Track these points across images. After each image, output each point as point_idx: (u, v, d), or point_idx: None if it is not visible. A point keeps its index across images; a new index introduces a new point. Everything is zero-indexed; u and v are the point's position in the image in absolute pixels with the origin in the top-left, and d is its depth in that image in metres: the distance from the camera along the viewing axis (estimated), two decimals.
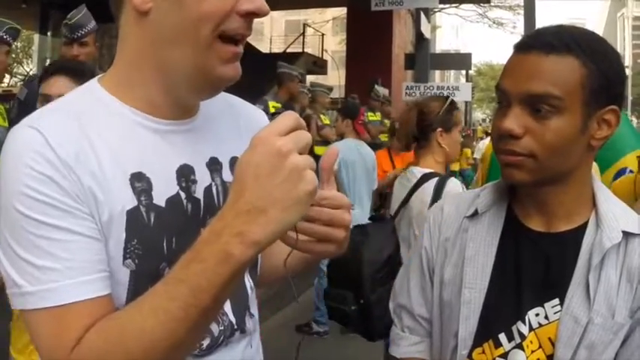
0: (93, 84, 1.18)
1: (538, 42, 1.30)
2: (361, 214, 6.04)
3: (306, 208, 0.93)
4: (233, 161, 1.25)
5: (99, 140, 1.07)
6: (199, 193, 1.18)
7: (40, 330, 1.01)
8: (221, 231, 0.92)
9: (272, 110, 7.19)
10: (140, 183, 1.10)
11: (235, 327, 1.26)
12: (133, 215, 1.08)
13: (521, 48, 1.32)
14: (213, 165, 1.22)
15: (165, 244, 1.12)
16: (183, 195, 1.15)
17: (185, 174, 1.16)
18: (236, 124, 1.32)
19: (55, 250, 0.99)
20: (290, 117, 0.95)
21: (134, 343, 0.95)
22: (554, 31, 1.32)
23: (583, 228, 1.37)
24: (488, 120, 47.89)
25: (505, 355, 1.36)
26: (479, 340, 1.39)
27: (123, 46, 1.15)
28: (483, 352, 1.39)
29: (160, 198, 1.12)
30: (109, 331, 0.97)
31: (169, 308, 0.93)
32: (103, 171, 1.06)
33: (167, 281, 0.96)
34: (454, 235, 1.49)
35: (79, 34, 4.34)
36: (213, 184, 1.21)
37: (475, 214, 1.47)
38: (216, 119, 1.26)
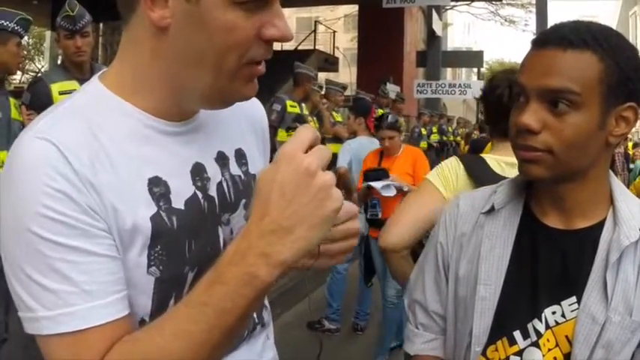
0: (96, 84, 1.12)
1: (555, 37, 1.28)
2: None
3: (330, 225, 0.92)
4: (238, 153, 1.24)
5: (112, 145, 1.03)
6: (213, 191, 1.16)
7: (56, 356, 0.97)
8: (246, 251, 0.90)
9: (289, 110, 7.21)
10: (158, 187, 1.07)
11: (256, 321, 1.27)
12: (155, 221, 1.05)
13: (538, 43, 1.31)
14: (221, 159, 1.20)
15: (187, 247, 1.10)
16: (200, 194, 1.13)
17: (199, 172, 1.14)
18: (235, 114, 1.28)
19: (71, 272, 0.95)
20: (310, 131, 0.93)
21: None
22: (572, 26, 1.30)
23: (600, 225, 1.36)
24: None
25: (520, 352, 1.35)
26: (493, 337, 1.38)
27: (132, 51, 1.08)
28: (496, 349, 1.38)
29: (178, 201, 1.09)
30: (133, 355, 0.95)
31: (193, 331, 0.91)
32: (120, 179, 1.02)
33: (189, 304, 0.93)
34: (470, 230, 1.48)
35: (82, 25, 4.35)
36: (223, 179, 1.19)
37: (491, 210, 1.45)
38: (216, 113, 1.21)
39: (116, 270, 1.00)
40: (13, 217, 0.96)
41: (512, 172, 1.98)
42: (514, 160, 2.06)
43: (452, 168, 2.42)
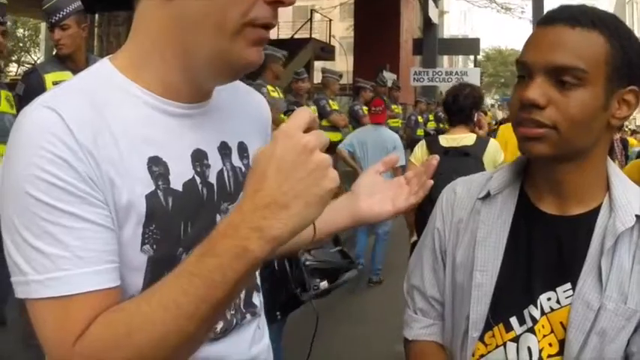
0: (105, 64, 1.14)
1: (563, 15, 1.28)
2: None
3: (325, 206, 0.91)
4: (240, 146, 1.25)
5: (115, 123, 1.04)
6: (212, 178, 1.17)
7: (43, 320, 0.97)
8: (239, 224, 0.89)
9: (271, 94, 7.19)
10: (157, 167, 1.07)
11: (246, 309, 1.27)
12: (151, 200, 1.06)
13: (545, 21, 1.31)
14: (224, 149, 1.21)
15: (182, 229, 1.10)
16: (198, 179, 1.14)
17: (199, 158, 1.15)
18: (243, 109, 1.30)
19: (65, 237, 0.95)
20: (307, 113, 0.93)
21: (143, 336, 0.92)
22: (579, 7, 1.31)
23: (596, 211, 1.36)
24: (497, 105, 47.67)
25: (516, 338, 1.36)
26: (490, 323, 1.39)
27: (140, 26, 1.11)
28: (493, 335, 1.38)
29: (176, 182, 1.10)
30: (116, 324, 0.94)
31: (180, 302, 0.91)
32: (121, 155, 1.03)
33: (179, 274, 0.93)
34: (467, 216, 1.48)
35: (57, 18, 4.30)
36: (224, 168, 1.20)
37: (487, 195, 1.45)
38: (225, 104, 1.24)
39: (111, 241, 1.01)
40: (12, 180, 0.97)
41: (453, 143, 4.33)
42: (455, 136, 4.39)
43: (420, 146, 4.64)
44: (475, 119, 4.64)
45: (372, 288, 7.33)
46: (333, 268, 3.68)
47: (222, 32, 1.04)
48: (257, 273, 1.31)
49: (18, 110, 4.06)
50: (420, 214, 4.06)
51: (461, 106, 4.42)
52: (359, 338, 5.67)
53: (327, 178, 0.90)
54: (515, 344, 1.36)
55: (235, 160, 1.23)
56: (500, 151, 4.52)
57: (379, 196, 1.44)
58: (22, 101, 4.15)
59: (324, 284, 3.59)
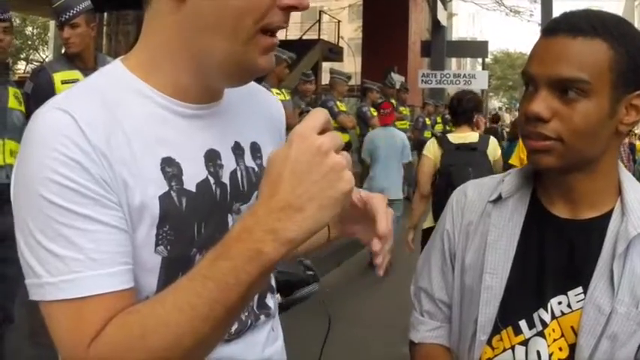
0: (117, 65, 1.14)
1: (565, 25, 1.28)
2: (394, 184, 8.01)
3: (341, 208, 0.91)
4: (253, 147, 1.25)
5: (128, 124, 1.04)
6: (226, 178, 1.16)
7: (57, 322, 0.97)
8: (253, 227, 0.88)
9: (281, 97, 7.21)
10: (171, 168, 1.07)
11: (259, 310, 1.27)
12: (164, 201, 1.05)
13: (548, 31, 1.30)
14: (237, 150, 1.21)
15: (195, 230, 1.10)
16: (212, 180, 1.14)
17: (212, 158, 1.14)
18: (254, 109, 1.31)
19: (79, 239, 0.95)
20: (323, 114, 0.92)
21: (157, 338, 0.92)
22: (582, 14, 1.30)
23: (608, 216, 1.35)
24: (504, 108, 47.64)
25: (525, 342, 1.36)
26: (498, 326, 1.38)
27: (152, 29, 1.11)
28: (501, 339, 1.38)
29: (190, 183, 1.10)
30: (130, 326, 0.94)
31: (195, 305, 0.90)
32: (134, 156, 1.03)
33: (192, 277, 0.92)
34: (477, 219, 1.48)
35: (67, 17, 4.31)
36: (237, 168, 1.19)
37: (499, 198, 1.45)
38: (237, 104, 1.24)
39: (124, 243, 1.01)
40: (26, 182, 0.97)
41: (460, 140, 5.10)
42: (462, 134, 5.27)
43: (431, 142, 5.36)
44: (474, 120, 5.58)
45: (376, 289, 7.31)
46: (287, 280, 3.47)
47: (235, 37, 1.04)
48: (271, 275, 1.31)
49: (26, 108, 4.08)
50: (437, 199, 4.93)
51: (464, 108, 5.21)
52: (363, 340, 5.66)
53: (343, 181, 0.89)
54: (524, 348, 1.35)
55: (248, 160, 1.23)
56: (498, 147, 5.42)
57: (362, 224, 1.24)
58: (30, 100, 4.16)
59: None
